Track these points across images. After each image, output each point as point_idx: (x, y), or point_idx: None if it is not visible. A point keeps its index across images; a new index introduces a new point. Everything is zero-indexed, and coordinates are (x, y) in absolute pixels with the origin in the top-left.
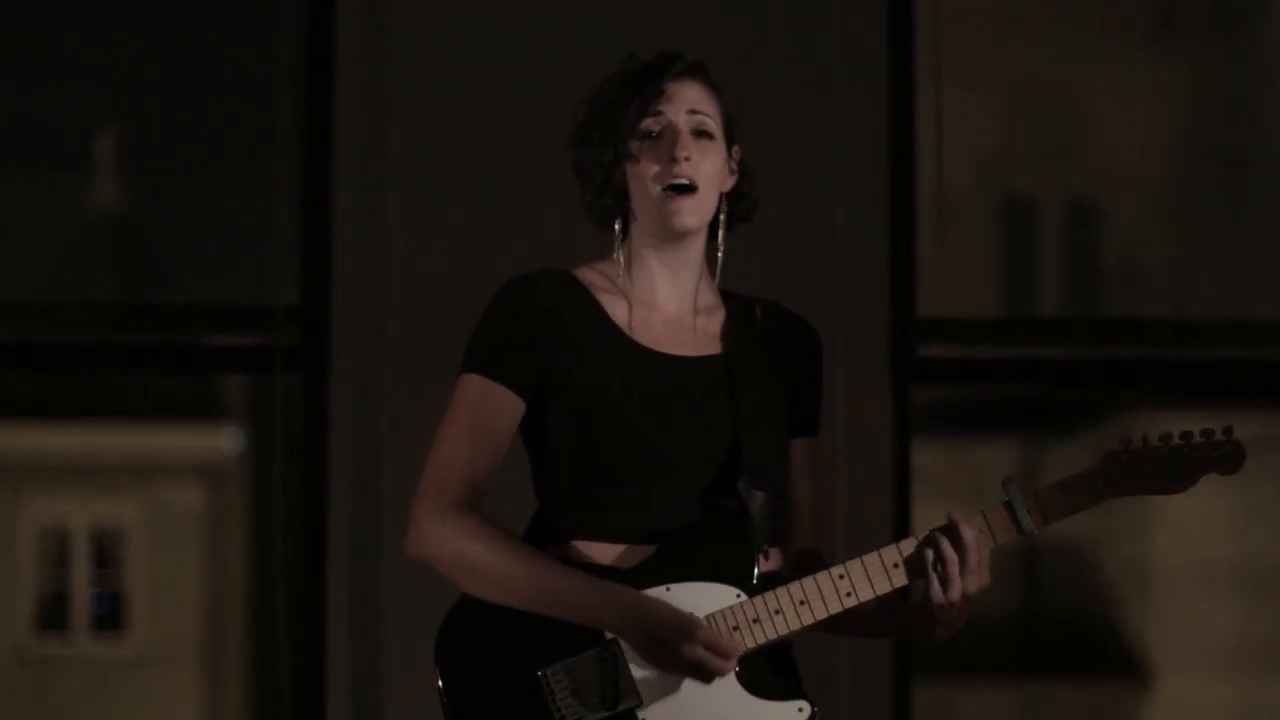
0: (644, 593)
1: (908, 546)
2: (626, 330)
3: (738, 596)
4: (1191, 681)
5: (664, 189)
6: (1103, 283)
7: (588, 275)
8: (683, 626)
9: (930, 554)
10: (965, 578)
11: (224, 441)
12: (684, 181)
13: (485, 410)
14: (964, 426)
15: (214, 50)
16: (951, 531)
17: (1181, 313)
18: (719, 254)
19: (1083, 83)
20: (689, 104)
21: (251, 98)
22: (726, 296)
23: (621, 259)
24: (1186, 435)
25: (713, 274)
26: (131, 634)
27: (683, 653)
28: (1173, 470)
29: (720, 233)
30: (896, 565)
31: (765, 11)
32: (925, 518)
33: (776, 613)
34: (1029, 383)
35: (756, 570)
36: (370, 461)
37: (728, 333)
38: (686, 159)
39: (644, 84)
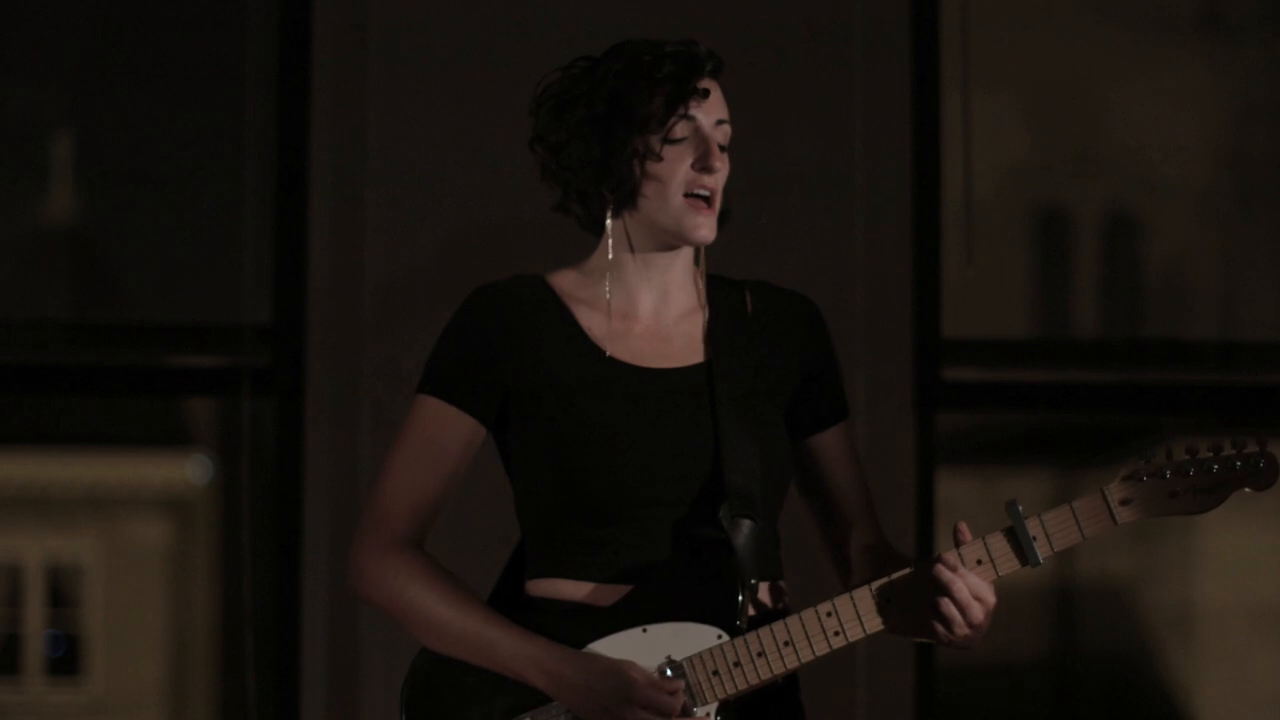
0: (587, 649)
1: (901, 581)
2: (602, 344)
3: (719, 638)
4: None
5: (686, 196)
6: (1143, 301)
7: (562, 282)
8: (619, 688)
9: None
10: (965, 613)
11: (190, 471)
12: (707, 193)
13: (436, 435)
14: (993, 456)
15: (180, 49)
16: (929, 569)
17: (1228, 333)
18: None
19: (1120, 84)
20: (717, 113)
21: (220, 100)
22: (713, 284)
23: (609, 260)
24: (1216, 447)
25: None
26: (89, 679)
27: (620, 715)
28: (1197, 488)
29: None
30: (890, 602)
31: (783, 12)
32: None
33: (759, 655)
34: (1063, 409)
35: (741, 609)
36: (347, 491)
37: (712, 335)
38: (717, 170)
39: (675, 80)
